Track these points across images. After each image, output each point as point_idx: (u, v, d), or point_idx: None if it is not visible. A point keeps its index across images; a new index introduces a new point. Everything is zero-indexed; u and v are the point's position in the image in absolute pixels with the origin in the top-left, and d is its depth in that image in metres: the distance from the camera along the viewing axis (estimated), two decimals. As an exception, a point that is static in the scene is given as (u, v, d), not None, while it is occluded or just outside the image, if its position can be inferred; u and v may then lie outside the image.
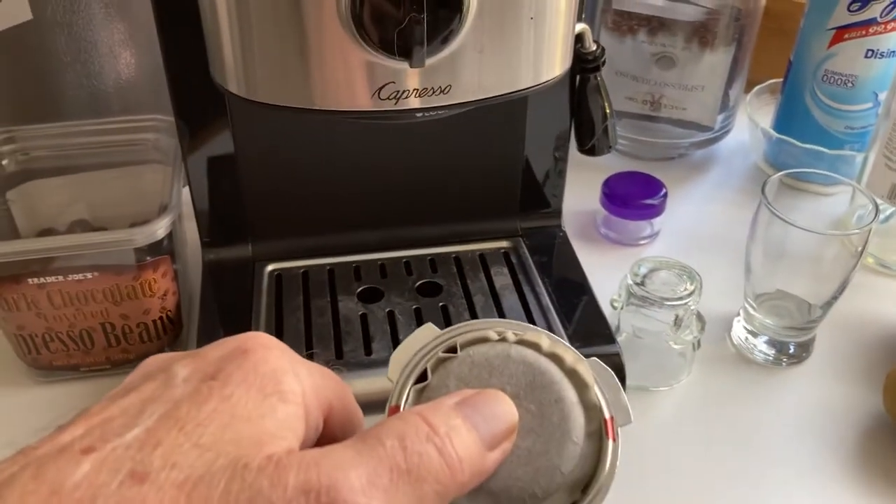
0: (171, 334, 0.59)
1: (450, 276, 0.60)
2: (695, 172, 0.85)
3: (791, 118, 0.79)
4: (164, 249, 0.56)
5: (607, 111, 0.57)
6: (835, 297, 0.59)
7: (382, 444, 0.23)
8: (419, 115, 0.42)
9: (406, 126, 0.58)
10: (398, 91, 0.40)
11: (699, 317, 0.59)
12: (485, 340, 0.30)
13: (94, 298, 0.55)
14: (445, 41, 0.39)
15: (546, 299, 0.58)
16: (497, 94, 0.42)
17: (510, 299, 0.58)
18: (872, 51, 0.72)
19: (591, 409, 0.29)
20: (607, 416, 0.29)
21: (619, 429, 0.30)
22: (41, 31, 0.64)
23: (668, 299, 0.56)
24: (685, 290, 0.57)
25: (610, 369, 0.30)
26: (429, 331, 0.31)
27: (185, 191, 0.59)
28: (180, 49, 0.51)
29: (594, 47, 0.54)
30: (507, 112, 0.60)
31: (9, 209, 0.62)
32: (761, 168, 0.84)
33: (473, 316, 0.56)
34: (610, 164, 0.81)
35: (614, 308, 0.59)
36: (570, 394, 0.29)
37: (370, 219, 0.62)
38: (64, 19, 0.65)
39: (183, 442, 0.21)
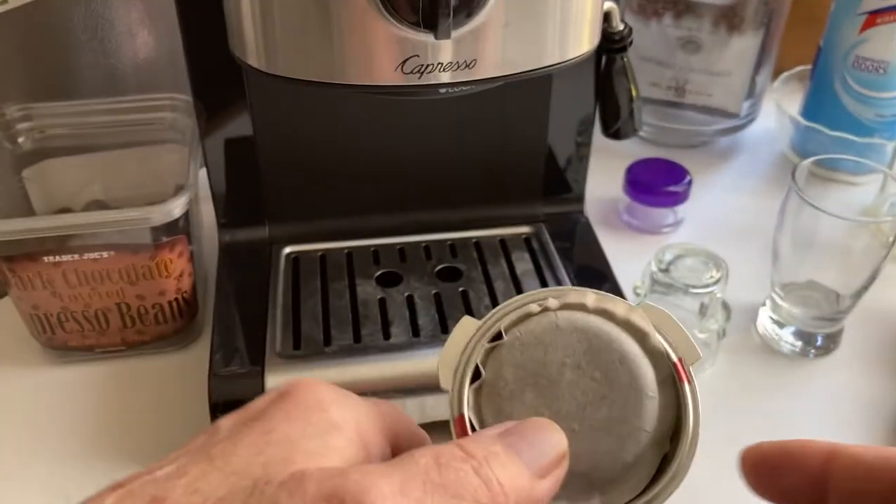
0: (187, 316, 0.58)
1: (470, 262, 0.59)
2: (719, 160, 0.83)
3: (820, 105, 0.77)
4: (181, 229, 0.55)
5: (633, 93, 0.55)
6: (864, 288, 0.57)
7: (416, 461, 0.22)
8: (443, 90, 0.41)
9: (427, 108, 0.57)
10: (422, 65, 0.39)
11: (724, 305, 0.57)
12: (528, 316, 0.28)
13: (109, 278, 0.54)
14: (472, 13, 0.37)
15: (568, 286, 0.56)
16: (523, 70, 0.41)
17: (531, 285, 0.57)
18: (905, 36, 0.70)
19: (657, 357, 0.28)
20: (675, 358, 0.28)
21: (690, 369, 0.28)
22: (58, 7, 0.63)
23: (693, 287, 0.55)
24: (711, 277, 0.55)
25: (664, 309, 0.28)
26: (468, 324, 0.29)
27: (202, 172, 0.58)
28: (199, 26, 0.50)
29: (621, 27, 0.52)
30: (531, 94, 0.58)
31: (24, 188, 0.61)
32: (787, 156, 0.82)
33: (494, 301, 0.55)
34: (632, 150, 0.80)
35: (637, 295, 0.58)
36: (632, 347, 0.28)
37: (389, 202, 0.61)
38: (81, -4, 0.65)
39: (209, 471, 0.21)
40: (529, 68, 0.41)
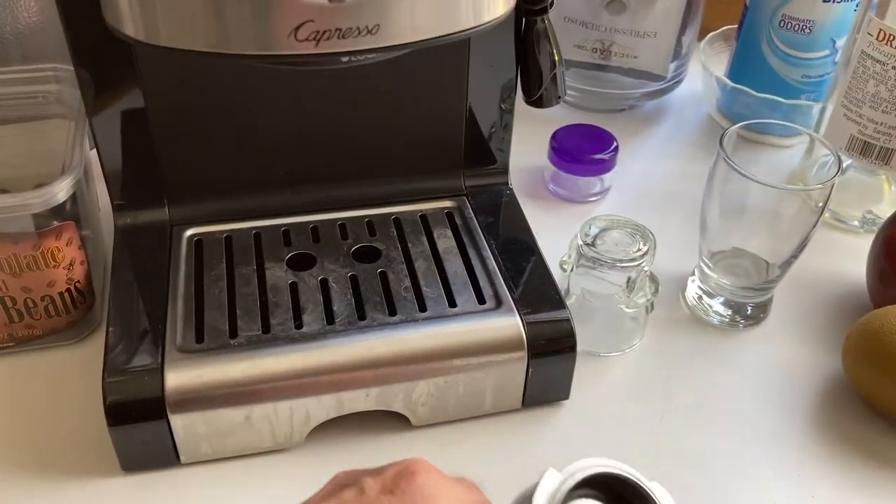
0: (82, 308, 0.54)
1: (389, 240, 0.56)
2: (645, 125, 0.81)
3: (746, 66, 0.75)
4: (68, 214, 0.50)
5: (556, 58, 0.52)
6: (794, 256, 0.56)
7: None
8: (344, 59, 0.37)
9: (335, 74, 0.53)
10: (318, 31, 0.35)
11: (652, 278, 0.56)
12: None
13: (-12, 270, 0.49)
14: (370, -29, 0.34)
15: (492, 263, 0.54)
16: (432, 35, 0.38)
17: (454, 264, 0.54)
18: (831, -5, 0.69)
19: None
20: None
21: None
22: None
23: (620, 261, 0.52)
24: (638, 250, 0.53)
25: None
26: None
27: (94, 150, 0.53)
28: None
29: (541, -13, 0.49)
30: (447, 60, 0.55)
31: None
32: (714, 119, 0.81)
33: (415, 283, 0.52)
34: (557, 116, 0.77)
35: (564, 270, 0.56)
36: None
37: (300, 178, 0.57)
38: (-50, -45, 0.58)
39: None
40: (440, 34, 0.38)
